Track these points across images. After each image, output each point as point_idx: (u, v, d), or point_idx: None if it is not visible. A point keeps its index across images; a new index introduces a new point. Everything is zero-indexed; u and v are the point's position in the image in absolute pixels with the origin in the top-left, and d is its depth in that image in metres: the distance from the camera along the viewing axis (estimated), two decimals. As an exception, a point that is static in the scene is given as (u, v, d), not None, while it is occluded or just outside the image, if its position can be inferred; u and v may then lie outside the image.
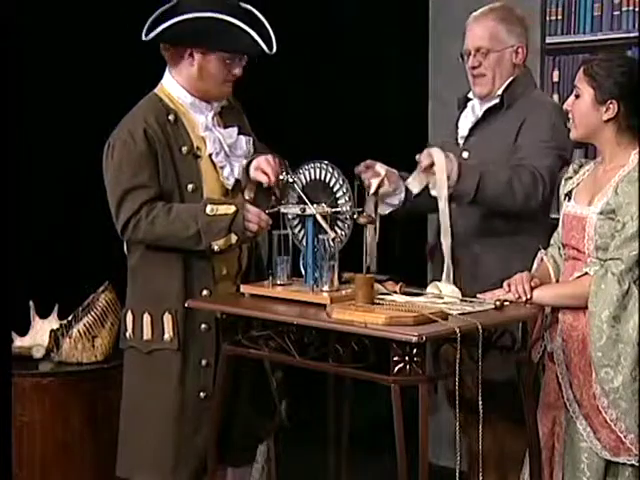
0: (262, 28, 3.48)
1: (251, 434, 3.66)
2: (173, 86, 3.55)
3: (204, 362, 3.51)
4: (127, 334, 3.59)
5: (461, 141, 3.83)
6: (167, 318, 3.48)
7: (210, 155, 3.53)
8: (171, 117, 3.50)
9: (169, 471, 3.51)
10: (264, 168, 3.48)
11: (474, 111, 3.83)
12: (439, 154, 3.48)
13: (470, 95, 3.89)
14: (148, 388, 3.53)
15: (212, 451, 3.49)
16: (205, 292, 3.50)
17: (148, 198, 3.42)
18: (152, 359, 3.52)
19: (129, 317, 3.58)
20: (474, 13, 3.83)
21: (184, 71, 3.52)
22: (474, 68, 3.77)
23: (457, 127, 3.88)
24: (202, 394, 3.50)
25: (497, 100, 3.77)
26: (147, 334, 3.53)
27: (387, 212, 3.65)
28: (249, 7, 3.51)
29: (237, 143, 3.59)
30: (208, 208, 3.39)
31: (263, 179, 3.48)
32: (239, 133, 3.61)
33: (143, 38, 3.46)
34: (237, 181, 3.58)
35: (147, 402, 3.53)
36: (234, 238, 3.40)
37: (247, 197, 3.55)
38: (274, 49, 3.47)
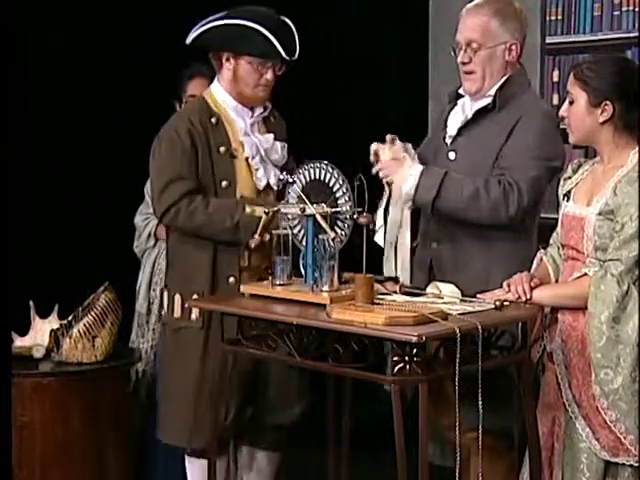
0: (290, 36, 3.75)
1: (279, 422, 3.90)
2: (219, 91, 3.85)
3: None
4: (163, 312, 3.91)
5: (449, 140, 3.70)
6: (194, 299, 3.74)
7: (247, 158, 3.81)
8: (213, 120, 3.79)
9: (187, 436, 3.78)
10: None
11: (464, 110, 3.70)
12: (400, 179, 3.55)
13: (461, 91, 3.73)
14: (176, 361, 3.82)
15: (212, 443, 3.54)
16: (232, 279, 3.74)
17: (188, 189, 3.71)
18: (180, 336, 3.81)
19: (165, 296, 3.88)
20: (469, 4, 3.67)
21: (223, 75, 3.82)
22: (464, 64, 3.63)
23: (446, 124, 3.75)
24: None
25: (489, 100, 3.63)
26: (177, 312, 3.81)
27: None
28: (285, 19, 3.78)
29: (273, 148, 3.86)
30: (247, 209, 3.69)
31: None
32: (275, 139, 3.88)
33: (187, 42, 3.77)
34: (267, 183, 3.84)
35: (174, 373, 3.82)
36: (267, 237, 3.66)
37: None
38: (295, 56, 3.73)
